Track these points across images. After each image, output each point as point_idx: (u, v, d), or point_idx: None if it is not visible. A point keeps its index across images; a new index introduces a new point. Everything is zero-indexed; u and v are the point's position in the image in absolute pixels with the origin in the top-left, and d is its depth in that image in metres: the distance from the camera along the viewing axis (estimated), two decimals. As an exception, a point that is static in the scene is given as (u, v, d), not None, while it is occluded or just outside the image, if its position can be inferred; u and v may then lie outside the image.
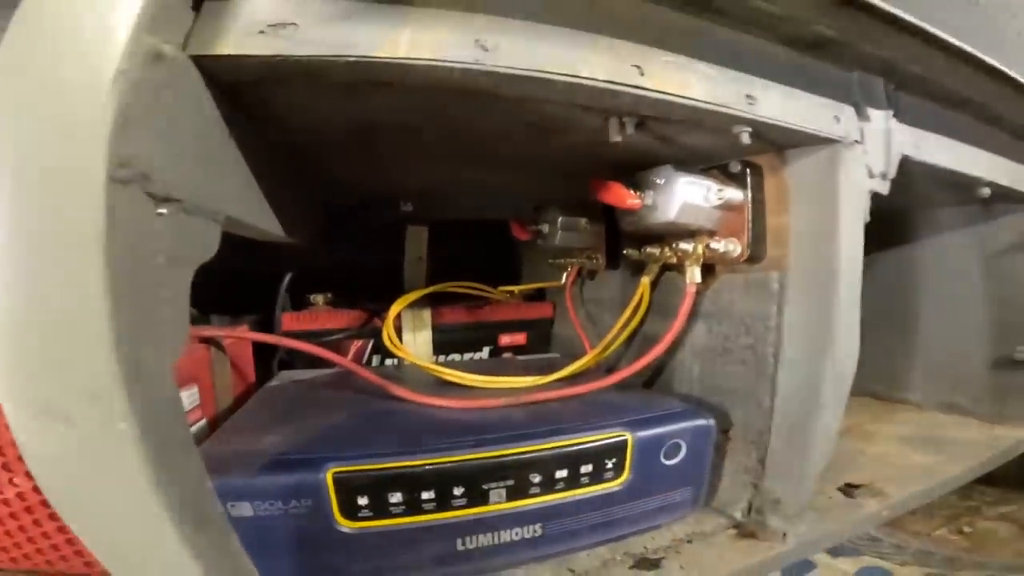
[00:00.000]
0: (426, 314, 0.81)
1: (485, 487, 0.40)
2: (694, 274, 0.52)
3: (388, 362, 0.80)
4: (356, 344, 0.79)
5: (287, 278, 0.75)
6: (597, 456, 0.43)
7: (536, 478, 0.41)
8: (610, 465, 0.43)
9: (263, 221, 0.42)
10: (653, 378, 0.63)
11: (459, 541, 0.40)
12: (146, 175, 0.23)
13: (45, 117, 0.21)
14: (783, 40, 0.41)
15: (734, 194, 0.49)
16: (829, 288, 0.43)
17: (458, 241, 0.97)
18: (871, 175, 0.46)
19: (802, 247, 0.46)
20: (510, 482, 0.40)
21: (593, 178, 0.52)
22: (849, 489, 0.57)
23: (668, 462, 0.46)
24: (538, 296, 0.97)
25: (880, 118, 0.46)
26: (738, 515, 0.50)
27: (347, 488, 0.37)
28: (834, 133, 0.43)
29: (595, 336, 0.74)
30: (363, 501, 0.37)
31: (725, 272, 0.53)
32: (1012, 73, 0.49)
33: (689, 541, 0.47)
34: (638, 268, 0.63)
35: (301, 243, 0.59)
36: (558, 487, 0.42)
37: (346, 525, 0.37)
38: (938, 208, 0.83)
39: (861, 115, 0.45)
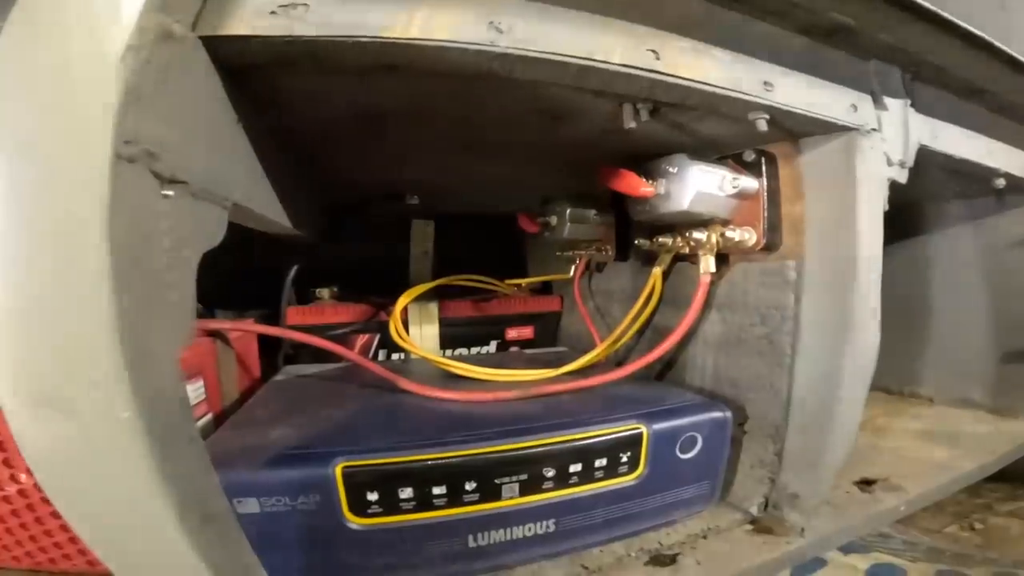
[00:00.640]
0: (433, 308, 0.80)
1: (497, 482, 0.39)
2: (708, 263, 0.51)
3: (394, 356, 0.80)
4: (362, 338, 0.78)
5: (292, 271, 0.74)
6: (612, 450, 0.42)
7: (549, 472, 0.40)
8: (625, 459, 0.43)
9: (270, 211, 0.41)
10: (664, 371, 0.62)
11: (471, 537, 0.39)
12: (153, 154, 0.22)
13: (52, 91, 0.20)
14: (800, 28, 0.40)
15: (749, 182, 0.48)
16: (849, 277, 0.42)
17: (464, 234, 0.96)
18: (889, 163, 0.45)
19: (819, 235, 0.45)
20: (523, 477, 0.40)
21: (604, 167, 0.51)
22: (865, 484, 0.56)
23: (684, 456, 0.45)
24: (545, 289, 0.96)
25: (897, 107, 0.46)
26: (754, 510, 0.49)
27: (356, 483, 0.36)
28: (852, 121, 0.43)
29: (604, 329, 0.73)
30: (373, 497, 0.36)
31: (739, 261, 0.52)
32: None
33: (704, 536, 0.47)
34: (649, 259, 0.62)
35: (307, 236, 0.58)
36: (572, 481, 0.41)
37: (355, 521, 0.36)
38: (948, 201, 0.83)
39: (878, 104, 0.44)
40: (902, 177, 0.46)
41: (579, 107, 0.40)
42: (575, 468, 0.41)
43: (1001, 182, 0.62)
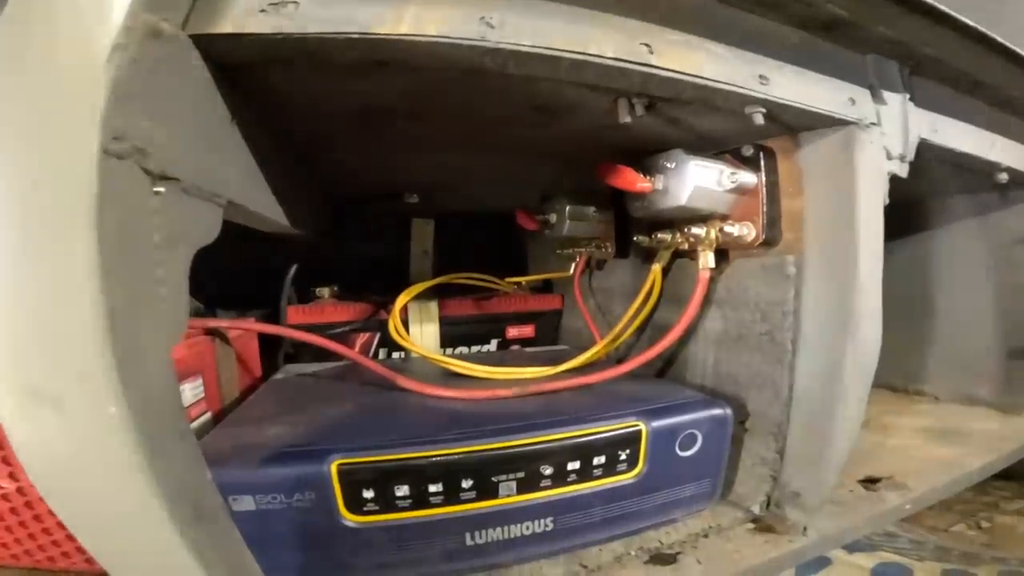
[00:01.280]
0: (433, 306, 0.80)
1: (495, 480, 0.39)
2: (707, 259, 0.51)
3: (394, 355, 0.80)
4: (362, 337, 0.78)
5: (293, 270, 0.74)
6: (610, 447, 0.42)
7: (547, 470, 0.40)
8: (624, 456, 0.42)
9: (267, 209, 0.41)
10: (664, 368, 0.62)
11: (468, 535, 0.39)
12: (142, 150, 0.22)
13: (41, 88, 0.20)
14: (795, 21, 0.40)
15: (747, 177, 0.48)
16: (849, 271, 0.42)
17: (464, 233, 0.96)
18: (889, 157, 0.45)
19: (819, 230, 0.45)
20: (520, 474, 0.39)
21: (602, 163, 0.51)
22: (870, 482, 0.56)
23: (684, 453, 0.44)
24: (546, 287, 0.96)
25: (896, 101, 0.45)
26: (756, 508, 0.49)
27: (352, 480, 0.36)
28: (850, 115, 0.42)
29: (605, 327, 0.73)
30: (368, 494, 0.36)
31: (739, 257, 0.52)
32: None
33: (705, 535, 0.46)
34: (648, 256, 0.61)
35: (306, 235, 0.58)
36: (570, 479, 0.41)
37: (351, 519, 0.36)
38: (951, 196, 0.82)
39: (877, 98, 0.44)
40: (902, 171, 0.45)
41: (574, 102, 0.40)
42: (573, 466, 0.41)
43: (1004, 177, 0.62)
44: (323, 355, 0.63)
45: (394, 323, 0.66)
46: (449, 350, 0.82)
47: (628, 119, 0.39)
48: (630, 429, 0.42)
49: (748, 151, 0.48)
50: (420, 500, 0.37)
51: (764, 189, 0.47)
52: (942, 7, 0.39)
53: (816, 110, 0.41)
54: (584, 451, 0.41)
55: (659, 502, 0.45)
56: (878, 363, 0.44)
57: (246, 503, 0.34)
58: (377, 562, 0.37)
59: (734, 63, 0.37)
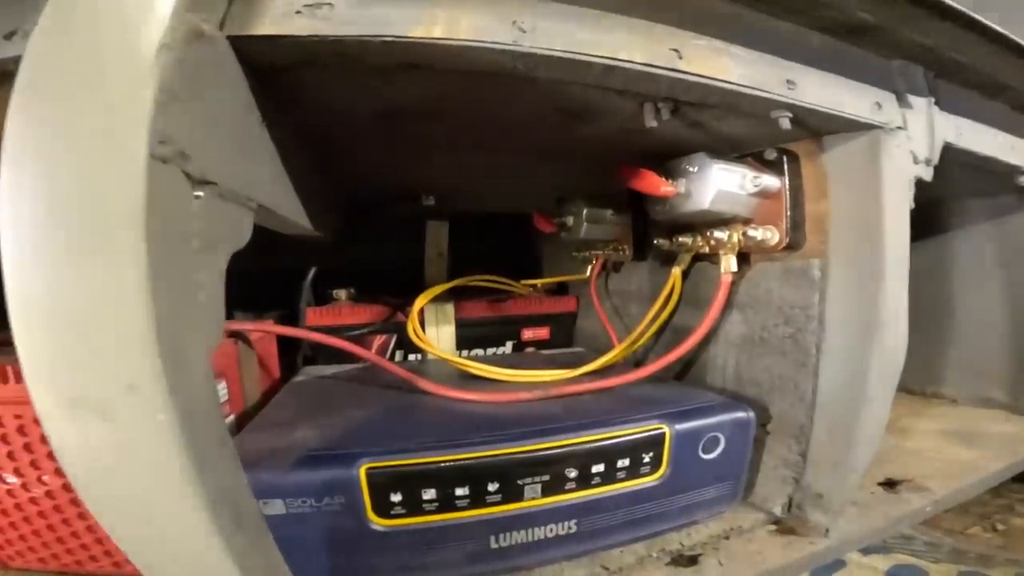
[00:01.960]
0: (449, 308, 0.80)
1: (520, 483, 0.39)
2: (730, 263, 0.51)
3: (411, 357, 0.80)
4: (379, 339, 0.78)
5: (311, 273, 0.74)
6: (634, 450, 0.42)
7: (572, 473, 0.40)
8: (647, 459, 0.42)
9: (292, 212, 0.41)
10: (684, 372, 0.62)
11: (492, 538, 0.39)
12: (185, 154, 0.22)
13: (87, 91, 0.20)
14: (822, 26, 0.39)
15: (771, 181, 0.47)
16: (876, 276, 0.42)
17: (479, 235, 0.96)
18: (915, 161, 0.44)
19: (845, 234, 0.45)
20: (546, 477, 0.39)
21: (623, 166, 0.51)
22: (890, 485, 0.56)
23: (706, 456, 0.44)
24: (561, 290, 0.96)
25: (922, 105, 0.45)
26: (777, 511, 0.49)
27: (380, 484, 0.36)
28: (876, 119, 0.42)
29: (622, 330, 0.73)
30: (396, 498, 0.36)
31: (761, 261, 0.52)
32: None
33: (727, 537, 0.46)
34: (667, 259, 0.61)
35: (325, 237, 0.58)
36: (594, 482, 0.41)
37: (378, 522, 0.36)
38: (968, 199, 0.82)
39: (903, 102, 0.44)
40: (927, 175, 0.45)
41: (600, 106, 0.40)
42: (597, 469, 0.41)
43: (1024, 179, 0.62)
44: (341, 357, 0.64)
45: (412, 325, 0.66)
46: (465, 352, 0.83)
47: (654, 123, 0.39)
48: (654, 432, 0.42)
49: (771, 155, 0.48)
50: (447, 503, 0.37)
51: (787, 193, 0.47)
52: (968, 12, 0.39)
53: (842, 114, 0.40)
54: (608, 454, 0.41)
55: (681, 504, 0.45)
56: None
57: (276, 507, 0.34)
58: (403, 565, 0.38)
59: (761, 68, 0.37)
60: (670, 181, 0.49)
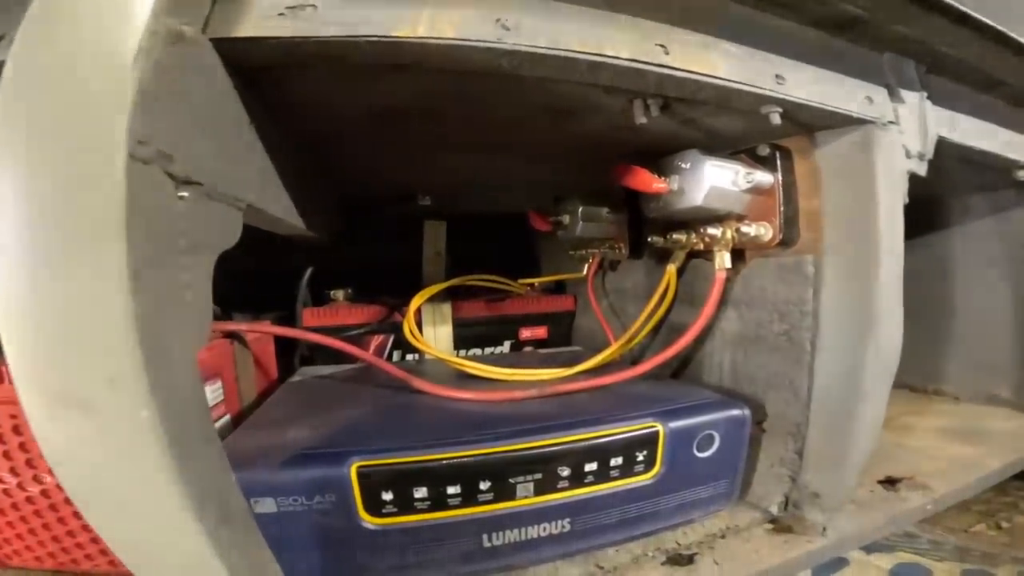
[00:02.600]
0: (446, 308, 0.80)
1: (512, 481, 0.39)
2: (724, 260, 0.51)
3: (408, 357, 0.80)
4: (377, 339, 0.78)
5: (308, 273, 0.74)
6: (627, 448, 0.42)
7: (565, 472, 0.40)
8: (641, 458, 0.42)
9: (284, 212, 0.41)
10: (680, 369, 0.62)
11: (485, 537, 0.39)
12: (167, 155, 0.22)
13: (66, 93, 0.20)
14: (811, 20, 0.39)
15: (764, 177, 0.47)
16: (871, 271, 0.42)
17: (476, 235, 0.96)
18: (908, 156, 0.44)
19: (838, 229, 0.45)
20: (538, 476, 0.39)
21: (616, 164, 0.51)
22: (890, 483, 0.55)
23: (701, 454, 0.44)
24: (558, 289, 0.96)
25: (914, 99, 0.45)
26: (774, 509, 0.49)
27: (371, 483, 0.36)
28: (868, 114, 0.42)
29: (619, 328, 0.72)
30: (387, 496, 0.36)
31: (755, 257, 0.52)
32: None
33: (723, 536, 0.46)
34: (663, 256, 0.61)
35: (320, 238, 0.59)
36: (587, 481, 0.41)
37: (370, 521, 0.36)
38: (968, 195, 0.81)
39: (894, 96, 0.44)
40: (921, 169, 0.45)
41: (589, 103, 0.40)
42: (590, 467, 0.41)
43: (1023, 174, 0.61)
44: (338, 357, 0.64)
45: (409, 325, 0.66)
46: (462, 351, 0.83)
47: (644, 120, 0.39)
48: (647, 430, 0.42)
49: (764, 151, 0.48)
50: (439, 502, 0.37)
51: (781, 189, 0.47)
52: (960, 6, 0.39)
53: (834, 109, 0.40)
54: (602, 452, 0.41)
55: (676, 503, 0.44)
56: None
57: (267, 505, 0.34)
58: (395, 564, 0.37)
59: (750, 63, 0.37)
60: (663, 178, 0.49)
